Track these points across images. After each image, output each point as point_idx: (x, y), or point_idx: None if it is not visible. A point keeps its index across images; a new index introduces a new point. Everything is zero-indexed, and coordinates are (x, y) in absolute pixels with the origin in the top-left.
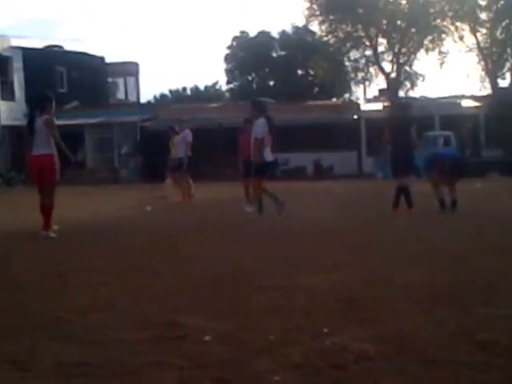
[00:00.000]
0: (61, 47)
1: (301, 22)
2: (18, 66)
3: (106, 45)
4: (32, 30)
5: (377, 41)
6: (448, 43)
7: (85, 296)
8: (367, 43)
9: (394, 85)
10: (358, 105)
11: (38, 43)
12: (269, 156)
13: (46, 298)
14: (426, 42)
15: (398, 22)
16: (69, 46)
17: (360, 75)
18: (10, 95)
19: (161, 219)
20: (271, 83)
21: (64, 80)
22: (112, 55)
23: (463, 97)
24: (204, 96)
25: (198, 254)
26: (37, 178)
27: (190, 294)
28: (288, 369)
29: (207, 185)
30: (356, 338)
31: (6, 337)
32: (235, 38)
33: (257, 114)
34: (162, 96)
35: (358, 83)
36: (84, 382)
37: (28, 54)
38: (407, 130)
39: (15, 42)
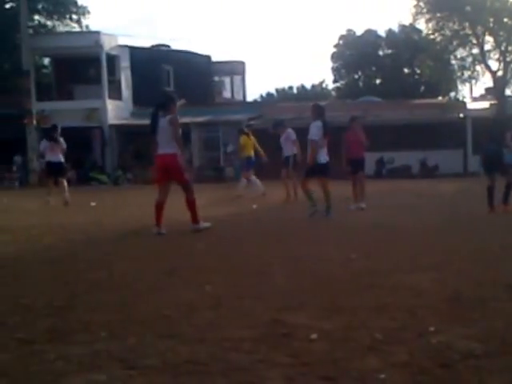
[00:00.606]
0: (167, 46)
1: (407, 21)
2: (125, 65)
3: (212, 44)
4: (139, 29)
5: (483, 39)
6: None
7: (191, 294)
8: (474, 41)
9: (500, 83)
10: (464, 103)
11: (144, 42)
12: (323, 158)
13: (153, 296)
14: None
15: (505, 20)
16: (175, 45)
17: (466, 74)
18: (117, 94)
19: (266, 218)
20: (378, 82)
21: (171, 79)
22: (219, 54)
23: None
24: (310, 95)
25: (302, 253)
26: (160, 177)
27: (295, 293)
28: (394, 367)
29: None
30: (462, 337)
31: (113, 335)
32: (342, 37)
33: (315, 117)
34: (269, 95)
35: (464, 82)
36: (191, 379)
37: (135, 52)
38: (501, 130)
39: (122, 41)
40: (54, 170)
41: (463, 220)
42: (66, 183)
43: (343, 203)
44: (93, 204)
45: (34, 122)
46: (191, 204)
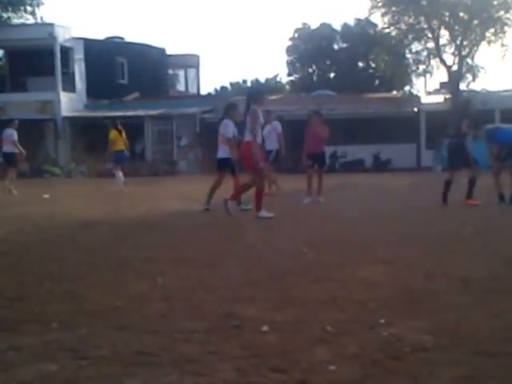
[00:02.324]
0: (122, 38)
1: (363, 15)
2: (79, 57)
3: (167, 37)
4: (93, 21)
5: (439, 33)
6: (511, 35)
7: (142, 286)
8: (429, 35)
9: (455, 77)
10: (419, 97)
11: (99, 34)
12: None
13: (104, 287)
14: (488, 34)
15: (461, 14)
16: (130, 38)
17: (421, 68)
18: (70, 86)
19: (220, 211)
20: (332, 75)
21: (125, 71)
22: (173, 47)
23: None
24: (264, 88)
25: (255, 246)
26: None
27: (247, 285)
28: (344, 359)
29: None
30: (413, 329)
31: (64, 325)
32: (297, 30)
33: (224, 116)
34: (223, 88)
35: (418, 76)
36: (141, 370)
37: (89, 44)
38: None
39: (76, 33)
40: (6, 161)
41: (416, 213)
42: (12, 174)
43: (295, 197)
44: (46, 196)
45: None
46: (256, 194)
